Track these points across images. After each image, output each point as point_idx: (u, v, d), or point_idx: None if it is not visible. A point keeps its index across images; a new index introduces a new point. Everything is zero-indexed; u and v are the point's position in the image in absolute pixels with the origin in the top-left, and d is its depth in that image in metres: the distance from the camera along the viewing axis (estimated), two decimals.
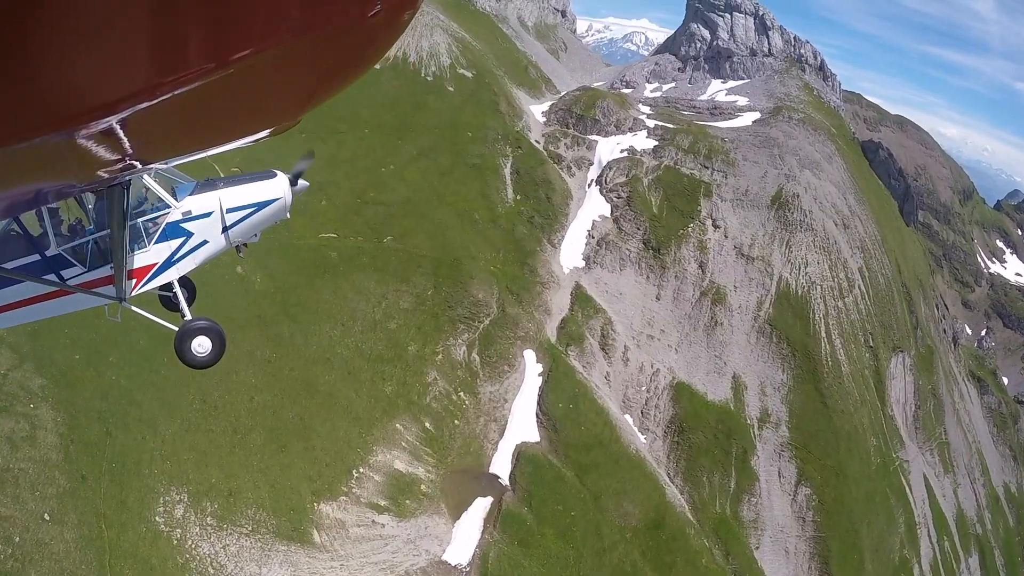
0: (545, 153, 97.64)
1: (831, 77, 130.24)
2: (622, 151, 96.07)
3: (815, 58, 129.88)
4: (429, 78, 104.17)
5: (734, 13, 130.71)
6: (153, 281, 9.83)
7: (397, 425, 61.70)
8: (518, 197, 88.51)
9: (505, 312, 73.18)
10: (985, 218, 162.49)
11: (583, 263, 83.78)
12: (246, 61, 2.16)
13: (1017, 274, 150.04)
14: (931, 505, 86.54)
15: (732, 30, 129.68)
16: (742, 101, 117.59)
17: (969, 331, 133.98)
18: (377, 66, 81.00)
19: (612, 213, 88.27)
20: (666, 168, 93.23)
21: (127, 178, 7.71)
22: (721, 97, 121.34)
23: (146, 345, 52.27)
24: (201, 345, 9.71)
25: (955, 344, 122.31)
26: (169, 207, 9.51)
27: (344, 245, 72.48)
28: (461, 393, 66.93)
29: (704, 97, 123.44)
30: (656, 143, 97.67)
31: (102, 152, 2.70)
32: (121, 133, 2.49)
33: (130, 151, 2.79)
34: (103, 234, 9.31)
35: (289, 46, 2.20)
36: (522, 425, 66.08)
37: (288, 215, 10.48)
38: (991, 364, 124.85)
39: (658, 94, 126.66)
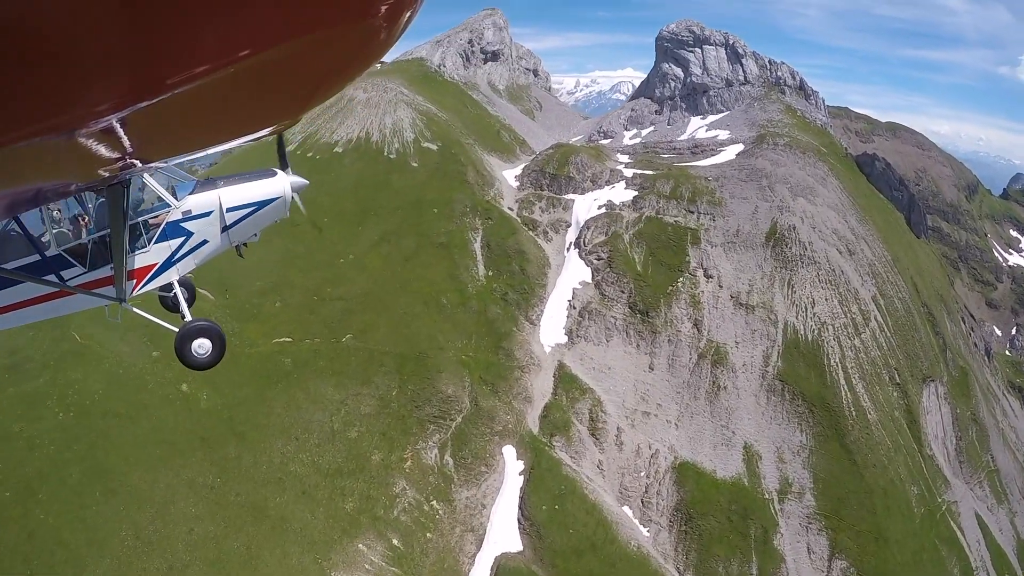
0: (519, 220, 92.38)
1: (813, 95, 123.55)
2: (599, 207, 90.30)
3: (794, 78, 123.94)
4: (392, 156, 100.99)
5: (704, 46, 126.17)
6: (153, 281, 9.80)
7: (359, 545, 55.29)
8: (490, 273, 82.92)
9: (479, 406, 66.70)
10: (995, 210, 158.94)
11: (565, 338, 76.84)
12: (247, 60, 2.14)
13: None
14: (988, 544, 75.82)
15: (704, 64, 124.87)
16: (723, 135, 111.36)
17: (999, 332, 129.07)
18: (339, 148, 78.55)
19: (593, 278, 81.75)
20: (647, 219, 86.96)
21: (127, 176, 7.59)
22: (701, 134, 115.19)
23: (78, 479, 49.84)
24: (201, 346, 9.59)
25: (989, 356, 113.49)
26: (169, 206, 9.50)
27: (299, 349, 67.94)
28: (433, 502, 60.09)
29: (684, 137, 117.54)
30: (636, 193, 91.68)
31: (103, 150, 2.70)
32: (121, 132, 2.48)
33: (130, 149, 2.78)
34: (103, 234, 9.25)
35: (290, 45, 2.17)
36: (502, 533, 58.38)
37: (288, 213, 10.48)
38: None
39: (637, 140, 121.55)
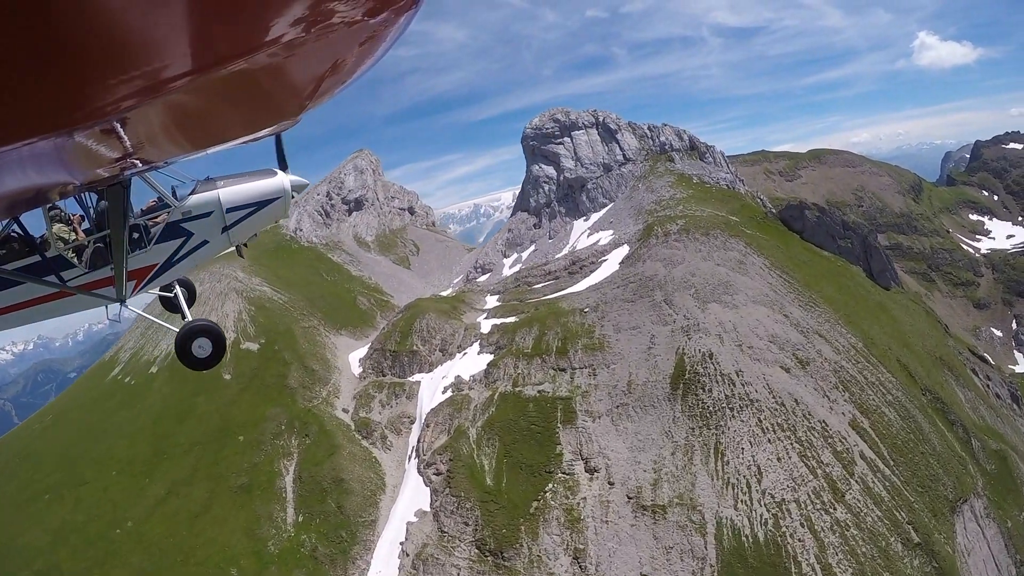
0: (352, 425, 64.98)
1: (709, 151, 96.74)
2: (445, 389, 62.82)
3: (681, 138, 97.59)
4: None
5: (572, 133, 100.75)
6: (154, 282, 9.12)
7: None
8: (301, 518, 55.20)
9: None
10: (946, 201, 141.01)
11: None
12: (247, 60, 2.09)
13: (1008, 236, 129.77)
14: None
15: (576, 153, 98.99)
16: (606, 237, 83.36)
17: (999, 333, 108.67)
18: (154, 368, 49.12)
19: (432, 504, 53.25)
20: (501, 398, 58.56)
21: (128, 177, 7.13)
22: (583, 241, 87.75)
23: None
24: (201, 346, 8.91)
25: (1018, 403, 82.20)
26: (169, 207, 8.85)
27: None
28: None
29: (565, 251, 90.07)
30: (491, 356, 64.40)
31: (103, 151, 2.65)
32: (122, 132, 2.42)
33: (130, 150, 2.74)
34: (103, 234, 8.60)
35: (289, 45, 2.12)
36: None
37: (288, 214, 9.66)
38: None
39: (518, 267, 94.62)
